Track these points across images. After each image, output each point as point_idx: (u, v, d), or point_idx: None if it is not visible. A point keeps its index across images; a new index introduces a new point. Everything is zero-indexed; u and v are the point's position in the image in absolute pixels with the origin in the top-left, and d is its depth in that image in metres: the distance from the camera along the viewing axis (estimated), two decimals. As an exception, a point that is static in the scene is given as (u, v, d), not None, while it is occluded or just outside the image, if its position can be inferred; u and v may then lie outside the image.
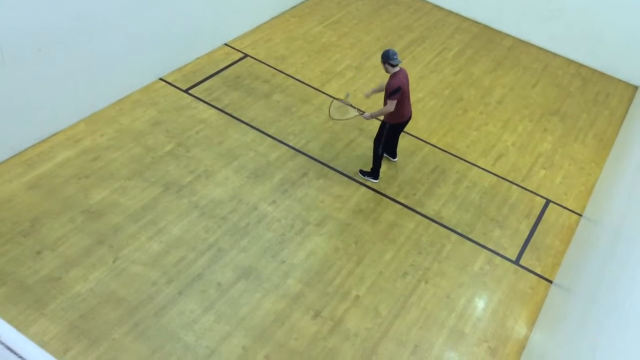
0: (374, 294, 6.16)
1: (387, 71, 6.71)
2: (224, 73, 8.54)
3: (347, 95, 7.30)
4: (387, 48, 6.65)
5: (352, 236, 6.68)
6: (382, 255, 6.56)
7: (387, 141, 7.11)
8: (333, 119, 7.20)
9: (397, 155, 7.71)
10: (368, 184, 7.32)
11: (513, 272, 6.69)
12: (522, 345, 5.99)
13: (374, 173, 7.30)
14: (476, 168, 7.89)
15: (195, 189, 6.81)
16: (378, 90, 7.19)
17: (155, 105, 7.75)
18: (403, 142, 8.02)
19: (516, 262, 6.82)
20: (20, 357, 1.77)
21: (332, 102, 7.32)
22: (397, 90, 6.58)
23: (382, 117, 7.16)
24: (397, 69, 6.66)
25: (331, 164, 7.48)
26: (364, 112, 7.04)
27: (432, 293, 6.29)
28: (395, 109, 6.75)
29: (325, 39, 9.67)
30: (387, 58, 6.57)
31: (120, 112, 7.55)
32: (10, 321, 5.35)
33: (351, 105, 7.06)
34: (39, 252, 5.88)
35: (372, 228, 6.81)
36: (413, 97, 8.79)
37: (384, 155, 7.52)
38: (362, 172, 7.35)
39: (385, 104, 6.75)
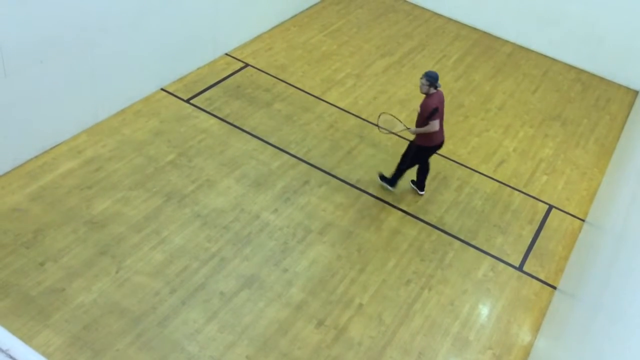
0: (378, 302, 6.15)
1: (424, 91, 6.60)
2: (225, 82, 8.56)
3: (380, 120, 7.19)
4: (431, 70, 6.62)
5: (354, 244, 6.68)
6: (385, 263, 6.55)
7: (413, 162, 6.99)
8: (381, 130, 7.03)
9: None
10: (370, 191, 7.32)
11: (517, 278, 6.68)
12: (526, 352, 5.97)
13: (392, 180, 7.25)
14: (478, 174, 7.89)
15: (197, 199, 6.81)
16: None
17: (156, 116, 7.77)
18: (404, 148, 8.01)
19: (519, 268, 6.81)
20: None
21: (380, 115, 7.09)
22: (435, 111, 6.53)
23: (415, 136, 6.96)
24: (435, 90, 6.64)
25: (333, 172, 7.48)
26: (409, 127, 6.86)
27: (435, 300, 6.28)
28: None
29: (325, 47, 9.70)
30: (434, 80, 6.52)
31: (122, 122, 7.57)
32: (14, 333, 5.33)
33: (398, 120, 6.91)
34: (42, 264, 5.88)
35: (375, 235, 6.81)
36: (414, 104, 8.80)
37: (412, 185, 7.41)
38: (381, 177, 7.32)
39: (422, 125, 6.65)
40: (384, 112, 6.99)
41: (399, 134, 7.92)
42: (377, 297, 6.20)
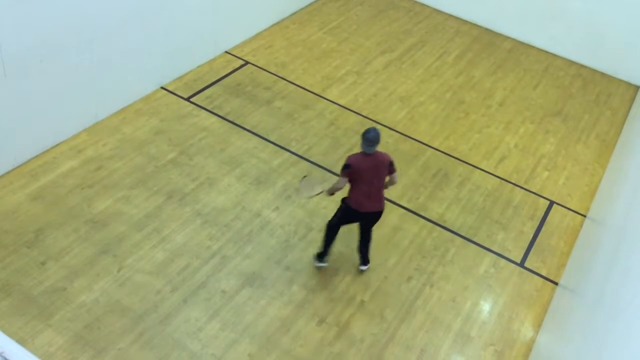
0: (379, 299, 6.15)
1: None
2: (225, 81, 8.56)
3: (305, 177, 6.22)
4: (372, 129, 5.56)
5: (355, 241, 6.67)
6: (387, 259, 6.55)
7: (340, 220, 6.00)
8: (304, 196, 6.08)
9: (373, 233, 6.32)
10: (371, 188, 7.31)
11: (518, 274, 6.68)
12: (528, 348, 5.97)
13: (320, 255, 6.22)
14: (479, 171, 7.88)
15: (198, 197, 6.81)
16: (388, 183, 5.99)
17: (157, 114, 7.77)
18: (405, 145, 8.02)
19: (521, 264, 6.80)
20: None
21: (302, 179, 6.12)
22: (345, 167, 5.62)
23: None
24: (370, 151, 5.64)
25: (334, 170, 7.48)
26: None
27: (437, 297, 6.27)
28: (350, 189, 5.78)
29: (325, 44, 9.69)
30: (365, 140, 5.56)
31: (122, 121, 7.57)
32: (15, 332, 5.36)
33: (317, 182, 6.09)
34: (43, 263, 5.89)
35: (376, 233, 6.80)
36: (414, 101, 8.80)
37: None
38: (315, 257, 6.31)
39: (394, 173, 5.87)
40: (303, 178, 6.06)
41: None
42: (379, 294, 6.20)
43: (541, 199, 7.66)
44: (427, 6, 11.19)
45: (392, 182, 5.91)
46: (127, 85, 7.67)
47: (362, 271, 6.37)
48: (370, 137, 5.54)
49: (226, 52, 9.09)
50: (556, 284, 6.64)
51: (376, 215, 5.90)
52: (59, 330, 5.39)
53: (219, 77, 8.58)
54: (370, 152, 5.64)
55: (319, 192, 5.95)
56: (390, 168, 5.78)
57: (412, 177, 7.59)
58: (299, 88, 8.67)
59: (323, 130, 8.03)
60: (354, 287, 6.21)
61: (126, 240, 6.22)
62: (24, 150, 6.77)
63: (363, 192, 5.74)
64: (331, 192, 5.91)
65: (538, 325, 6.19)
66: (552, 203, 7.64)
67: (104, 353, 5.30)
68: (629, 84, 10.13)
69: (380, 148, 7.85)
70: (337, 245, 6.57)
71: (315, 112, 8.29)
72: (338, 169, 7.47)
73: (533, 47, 10.60)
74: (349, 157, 5.68)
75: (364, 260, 6.33)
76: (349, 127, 8.15)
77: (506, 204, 7.49)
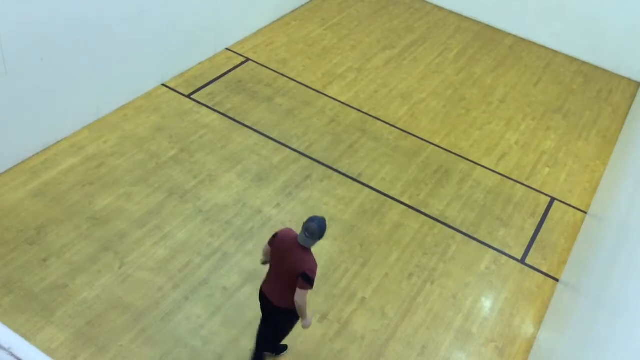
0: (380, 295, 6.16)
1: (306, 244, 4.58)
2: (225, 77, 8.55)
3: None
4: (316, 219, 4.58)
5: (356, 238, 6.68)
6: (388, 256, 6.55)
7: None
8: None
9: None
10: (372, 184, 7.32)
11: (519, 271, 6.68)
12: (529, 344, 5.97)
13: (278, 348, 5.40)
14: (480, 167, 7.88)
15: (199, 194, 6.82)
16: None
17: (158, 111, 7.77)
18: (406, 142, 8.02)
19: (522, 261, 6.81)
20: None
21: None
22: (273, 235, 4.78)
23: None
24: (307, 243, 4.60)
25: (334, 166, 7.48)
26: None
27: (438, 294, 6.28)
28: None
29: (326, 41, 9.68)
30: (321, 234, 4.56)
31: (123, 118, 7.57)
32: (17, 329, 5.37)
33: None
34: (45, 260, 5.89)
35: (377, 229, 6.81)
36: (415, 98, 8.80)
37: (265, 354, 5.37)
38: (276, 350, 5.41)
39: (299, 289, 4.62)
40: None
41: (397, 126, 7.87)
42: (380, 290, 6.20)
43: (542, 196, 7.66)
44: (428, 3, 11.17)
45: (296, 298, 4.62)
46: (127, 82, 7.66)
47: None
48: (308, 228, 4.50)
49: (227, 49, 9.08)
50: (557, 280, 6.64)
51: (272, 306, 4.80)
52: (60, 327, 5.40)
53: (219, 74, 8.58)
54: (304, 244, 4.56)
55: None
56: (297, 279, 4.56)
57: (413, 173, 7.59)
58: (299, 85, 8.67)
59: (324, 127, 8.02)
60: (355, 284, 6.22)
61: (127, 237, 6.23)
62: (25, 148, 6.77)
63: (269, 272, 4.83)
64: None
65: (539, 322, 6.19)
66: (553, 200, 7.64)
67: (106, 350, 5.31)
68: (630, 80, 10.12)
69: (381, 144, 7.85)
70: (338, 242, 6.57)
71: (316, 109, 8.29)
72: (340, 165, 7.48)
73: (534, 43, 10.58)
74: (283, 230, 4.75)
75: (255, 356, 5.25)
76: (349, 123, 8.15)
77: (507, 201, 7.49)
